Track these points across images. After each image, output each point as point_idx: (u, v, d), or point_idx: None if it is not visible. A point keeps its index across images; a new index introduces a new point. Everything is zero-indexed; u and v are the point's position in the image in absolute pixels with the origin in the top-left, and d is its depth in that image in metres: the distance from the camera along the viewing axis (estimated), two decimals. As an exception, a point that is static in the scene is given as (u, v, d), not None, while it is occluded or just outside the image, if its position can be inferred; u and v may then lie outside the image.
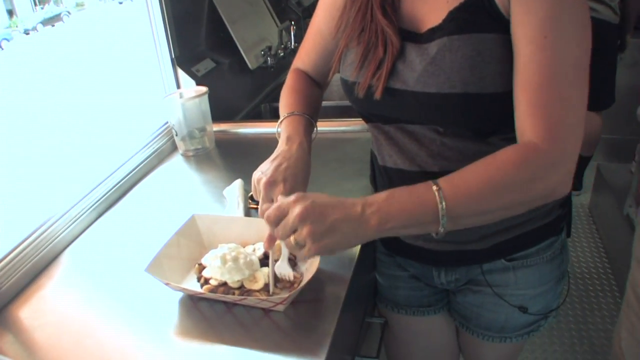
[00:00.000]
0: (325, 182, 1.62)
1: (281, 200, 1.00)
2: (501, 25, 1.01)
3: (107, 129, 6.81)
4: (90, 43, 18.54)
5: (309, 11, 3.67)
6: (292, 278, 1.16)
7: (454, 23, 1.04)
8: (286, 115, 1.33)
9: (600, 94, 3.56)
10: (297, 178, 1.20)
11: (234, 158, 1.95)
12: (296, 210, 0.95)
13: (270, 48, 2.66)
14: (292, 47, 2.81)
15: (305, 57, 1.47)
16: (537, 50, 0.97)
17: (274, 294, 1.16)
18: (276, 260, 1.18)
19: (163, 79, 2.16)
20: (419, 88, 1.08)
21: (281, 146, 1.25)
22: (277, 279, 1.19)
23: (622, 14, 3.39)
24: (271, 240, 1.09)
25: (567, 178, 1.00)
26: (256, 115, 2.59)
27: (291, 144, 1.25)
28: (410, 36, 1.12)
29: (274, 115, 2.67)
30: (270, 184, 1.17)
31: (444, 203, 0.94)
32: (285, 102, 1.38)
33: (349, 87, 1.22)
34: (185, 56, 2.18)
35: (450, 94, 1.04)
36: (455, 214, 0.95)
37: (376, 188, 1.35)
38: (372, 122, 1.25)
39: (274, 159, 1.21)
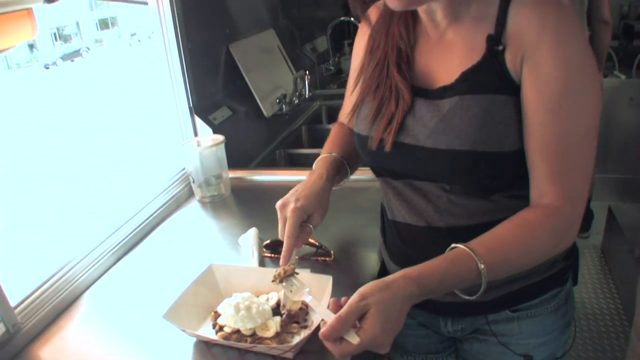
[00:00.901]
0: (336, 232, 1.69)
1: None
2: (511, 88, 1.08)
3: (125, 172, 6.93)
4: (108, 82, 18.77)
5: (324, 57, 3.77)
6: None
7: (466, 84, 1.12)
8: (318, 159, 1.44)
9: None
10: (309, 198, 1.30)
11: (249, 205, 2.02)
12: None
13: (285, 96, 2.76)
14: (307, 95, 2.88)
15: (343, 112, 1.55)
16: (554, 120, 1.05)
17: (285, 312, 1.25)
18: (288, 276, 1.24)
19: (181, 126, 2.26)
20: (429, 144, 1.15)
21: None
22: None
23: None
24: (287, 256, 1.21)
25: (576, 233, 1.10)
26: (271, 162, 2.67)
27: (312, 175, 1.37)
28: (422, 92, 1.19)
29: (288, 162, 2.77)
30: (284, 204, 1.28)
31: (485, 277, 1.02)
32: (323, 150, 1.48)
33: (362, 140, 1.29)
34: (202, 105, 2.28)
35: (459, 151, 1.10)
36: (491, 277, 1.03)
37: (385, 239, 1.41)
38: (383, 176, 1.32)
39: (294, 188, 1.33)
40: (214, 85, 2.45)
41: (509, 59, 1.08)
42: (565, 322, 1.39)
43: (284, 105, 2.75)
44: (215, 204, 2.04)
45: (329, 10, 4.12)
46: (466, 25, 1.16)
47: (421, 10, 1.22)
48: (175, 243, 1.82)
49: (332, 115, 3.38)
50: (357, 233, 1.70)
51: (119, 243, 1.74)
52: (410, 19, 1.27)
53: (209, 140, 2.06)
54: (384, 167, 1.29)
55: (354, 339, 0.97)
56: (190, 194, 2.11)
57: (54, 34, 31.05)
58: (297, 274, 1.25)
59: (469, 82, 1.11)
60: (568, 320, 1.40)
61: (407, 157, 1.19)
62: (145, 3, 2.19)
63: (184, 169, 2.11)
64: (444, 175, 1.17)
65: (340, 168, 1.43)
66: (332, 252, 1.55)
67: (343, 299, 1.03)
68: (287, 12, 3.35)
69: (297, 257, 1.46)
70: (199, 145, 2.05)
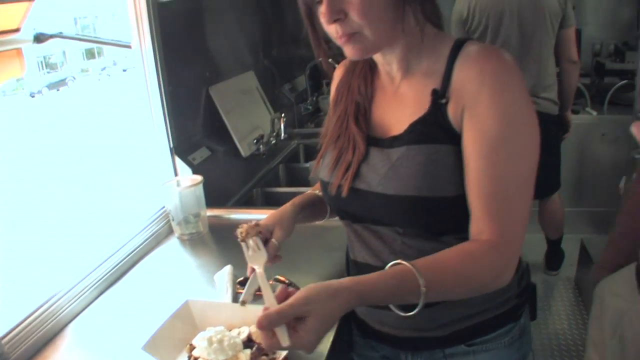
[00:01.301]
0: (306, 269, 1.81)
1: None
2: (453, 138, 1.21)
3: (107, 208, 7.01)
4: (91, 115, 18.75)
5: (303, 96, 3.90)
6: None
7: (413, 134, 1.25)
8: None
9: (547, 182, 3.81)
10: (269, 217, 1.46)
11: (226, 243, 2.13)
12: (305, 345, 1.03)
13: (262, 136, 2.90)
14: (282, 137, 3.03)
15: None
16: (489, 165, 1.17)
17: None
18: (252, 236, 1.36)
19: (161, 165, 2.37)
20: (380, 190, 1.28)
21: None
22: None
23: (560, 93, 3.66)
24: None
25: (514, 270, 1.20)
26: (248, 200, 2.78)
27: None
28: (376, 142, 1.33)
29: (265, 200, 2.88)
30: (249, 226, 1.39)
31: (424, 296, 1.09)
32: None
33: (324, 186, 1.43)
34: (182, 145, 2.40)
35: (405, 196, 1.23)
36: (430, 297, 1.10)
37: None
38: (344, 219, 1.45)
39: None
40: (194, 126, 2.58)
41: (451, 111, 1.22)
42: (520, 355, 1.47)
43: (261, 146, 2.88)
44: (193, 242, 2.15)
45: (308, 50, 4.24)
46: (417, 80, 1.30)
47: (380, 65, 1.36)
48: (155, 278, 1.93)
49: (310, 154, 3.49)
50: (326, 270, 1.80)
51: (102, 277, 1.85)
52: (369, 74, 1.42)
53: (188, 180, 2.17)
54: (344, 211, 1.42)
55: (284, 341, 1.01)
56: (170, 231, 2.22)
57: (40, 62, 31.12)
58: (262, 236, 1.37)
59: (416, 132, 1.25)
60: (524, 354, 1.48)
61: (362, 201, 1.32)
62: (129, 46, 2.31)
63: (164, 207, 2.22)
64: (395, 219, 1.30)
65: (316, 203, 1.58)
66: (301, 289, 1.64)
67: (291, 289, 1.11)
68: (267, 53, 3.50)
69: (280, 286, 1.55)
70: (178, 185, 2.17)
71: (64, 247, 5.48)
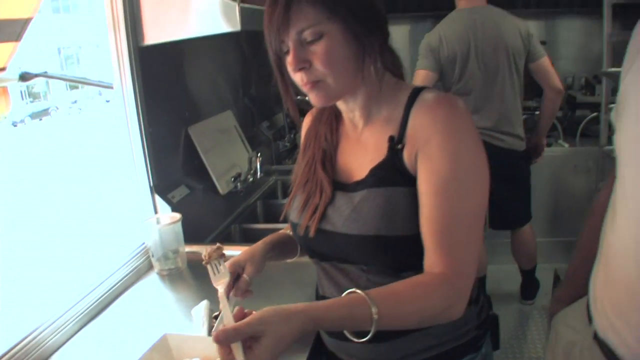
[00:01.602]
0: (279, 303, 1.86)
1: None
2: (409, 180, 1.34)
3: (88, 242, 7.07)
4: (73, 145, 18.68)
5: (281, 133, 4.01)
6: None
7: (373, 178, 1.38)
8: None
9: (518, 213, 3.98)
10: (241, 255, 1.58)
11: (203, 278, 2.19)
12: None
13: (239, 174, 3.02)
14: (258, 176, 3.15)
15: None
16: (440, 202, 1.28)
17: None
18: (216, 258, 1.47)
19: (141, 203, 2.48)
20: (344, 230, 1.40)
21: None
22: None
23: (539, 118, 3.88)
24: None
25: (466, 303, 1.28)
26: (226, 236, 2.88)
27: None
28: (341, 186, 1.46)
29: (243, 237, 2.98)
30: (212, 249, 1.49)
31: (375, 324, 1.16)
32: None
33: (294, 227, 1.56)
34: (162, 184, 2.51)
35: (367, 235, 1.36)
36: (382, 325, 1.18)
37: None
38: (313, 258, 1.57)
39: None
40: (173, 165, 2.69)
41: (407, 156, 1.35)
42: None
43: (238, 183, 2.99)
44: (172, 277, 2.25)
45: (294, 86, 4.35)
46: (377, 127, 1.44)
47: (344, 113, 1.51)
48: (134, 312, 2.02)
49: (287, 190, 3.53)
50: None
51: (84, 311, 1.94)
52: (334, 122, 1.56)
53: (168, 218, 2.28)
54: (312, 250, 1.54)
55: (239, 356, 1.08)
56: (150, 267, 2.32)
57: (23, 91, 31.05)
58: (225, 258, 1.47)
59: (376, 177, 1.38)
60: None
61: (329, 241, 1.44)
62: (111, 87, 2.42)
63: (144, 243, 2.32)
64: (359, 258, 1.42)
65: (287, 242, 1.70)
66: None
67: (247, 310, 1.20)
68: (246, 91, 3.63)
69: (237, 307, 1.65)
70: (158, 222, 2.28)
71: (47, 280, 5.54)
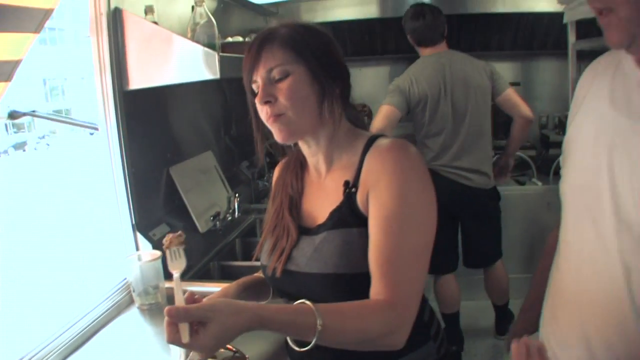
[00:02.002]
0: (250, 340, 1.93)
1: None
2: (363, 221, 1.49)
3: (70, 277, 7.15)
4: (56, 178, 18.65)
5: (261, 172, 4.15)
6: None
7: (332, 221, 1.55)
8: None
9: (489, 251, 4.11)
10: (218, 294, 1.70)
11: None
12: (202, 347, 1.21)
13: (219, 213, 3.15)
14: (236, 215, 3.29)
15: None
16: (386, 237, 1.43)
17: None
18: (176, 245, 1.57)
19: (123, 240, 2.61)
20: (307, 270, 1.55)
21: None
22: None
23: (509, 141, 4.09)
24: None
25: (408, 331, 1.40)
26: (205, 273, 2.97)
27: None
28: (306, 230, 1.62)
29: (221, 274, 3.07)
30: (174, 235, 1.60)
31: (318, 334, 1.28)
32: None
33: (263, 269, 1.72)
34: (143, 222, 2.64)
35: (327, 274, 1.51)
36: (325, 336, 1.29)
37: (287, 346, 1.61)
38: (282, 297, 1.71)
39: None
40: (155, 204, 2.83)
41: (359, 198, 1.51)
42: None
43: (217, 222, 3.12)
44: (152, 311, 2.37)
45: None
46: (337, 173, 1.61)
47: (309, 160, 1.68)
48: (116, 345, 2.13)
49: None
50: (268, 341, 1.97)
51: (66, 343, 2.04)
52: (299, 171, 1.74)
53: (149, 255, 2.41)
54: (281, 290, 1.69)
55: (185, 337, 1.17)
56: (131, 302, 2.43)
57: (8, 122, 31.04)
58: (185, 248, 1.57)
59: (334, 219, 1.54)
60: None
61: (294, 281, 1.59)
62: (96, 128, 2.56)
63: (125, 278, 2.44)
64: (321, 295, 1.54)
65: (259, 284, 1.82)
66: (247, 356, 1.80)
67: (197, 296, 1.36)
68: (227, 131, 3.79)
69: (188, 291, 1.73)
70: (139, 259, 2.40)
71: (30, 313, 5.61)
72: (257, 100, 1.51)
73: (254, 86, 1.54)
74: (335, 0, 5.12)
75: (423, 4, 3.96)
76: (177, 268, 1.50)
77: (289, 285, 1.62)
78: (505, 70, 5.23)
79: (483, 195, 3.91)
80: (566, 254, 1.42)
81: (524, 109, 3.84)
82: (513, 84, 4.83)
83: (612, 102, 1.32)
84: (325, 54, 1.53)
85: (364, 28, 5.18)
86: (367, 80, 5.40)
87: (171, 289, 2.44)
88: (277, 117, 1.50)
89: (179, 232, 1.58)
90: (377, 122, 3.67)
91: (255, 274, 1.87)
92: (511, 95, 3.84)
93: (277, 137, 1.54)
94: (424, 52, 3.87)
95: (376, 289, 1.41)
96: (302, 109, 1.50)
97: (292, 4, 5.16)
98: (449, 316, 4.16)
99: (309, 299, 1.50)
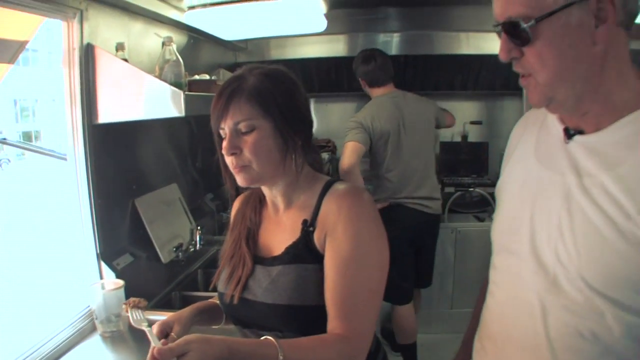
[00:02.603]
0: None
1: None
2: (318, 258, 1.65)
3: (34, 301, 7.12)
4: (23, 202, 18.44)
5: (224, 205, 4.25)
6: None
7: (288, 255, 1.70)
8: None
9: (425, 276, 4.42)
10: (174, 317, 1.79)
11: (143, 342, 2.38)
12: None
13: (181, 245, 3.26)
14: (197, 247, 3.41)
15: None
16: (341, 277, 1.59)
17: None
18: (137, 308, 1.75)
19: (87, 268, 2.70)
20: (262, 299, 1.69)
21: None
22: None
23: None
24: None
25: None
26: (167, 303, 3.08)
27: None
28: (261, 260, 1.76)
29: (183, 303, 3.09)
30: (134, 301, 1.77)
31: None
32: None
33: (220, 296, 1.85)
34: (107, 252, 2.74)
35: (281, 304, 1.65)
36: None
37: None
38: (237, 325, 1.84)
39: None
40: (119, 234, 2.93)
41: (317, 237, 1.66)
42: None
43: (180, 253, 3.23)
44: (114, 339, 2.46)
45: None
46: (295, 211, 1.75)
47: (267, 197, 1.82)
48: (79, 372, 2.21)
49: None
50: None
51: (30, 369, 2.13)
52: (258, 205, 1.87)
53: (112, 283, 2.51)
54: (235, 317, 1.82)
55: None
56: (94, 329, 2.51)
57: (-23, 142, 30.60)
58: (145, 309, 1.74)
59: (290, 254, 1.69)
60: None
61: (249, 309, 1.73)
62: (65, 158, 2.66)
63: (89, 306, 2.52)
64: (274, 324, 1.70)
65: (213, 310, 1.94)
66: None
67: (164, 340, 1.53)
68: (193, 164, 3.91)
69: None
70: (103, 287, 2.49)
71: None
72: (223, 151, 1.65)
73: (221, 132, 1.67)
74: (303, 38, 5.28)
75: (373, 49, 4.39)
76: (141, 325, 1.66)
77: (244, 312, 1.75)
78: (468, 109, 5.48)
79: (437, 220, 4.32)
80: (493, 292, 1.56)
81: (449, 120, 4.70)
82: (474, 122, 5.11)
83: (536, 155, 1.49)
84: (290, 107, 1.67)
85: (331, 65, 5.38)
86: (334, 115, 5.59)
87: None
88: (241, 167, 1.64)
89: (141, 300, 1.77)
90: (347, 158, 3.89)
91: (210, 300, 1.99)
92: (447, 119, 4.62)
93: (240, 183, 1.69)
94: (376, 92, 4.24)
95: (332, 325, 1.57)
96: (265, 162, 1.64)
97: (261, 41, 5.33)
98: (406, 347, 4.35)
99: (262, 327, 1.69)
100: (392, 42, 5.37)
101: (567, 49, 1.24)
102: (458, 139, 5.64)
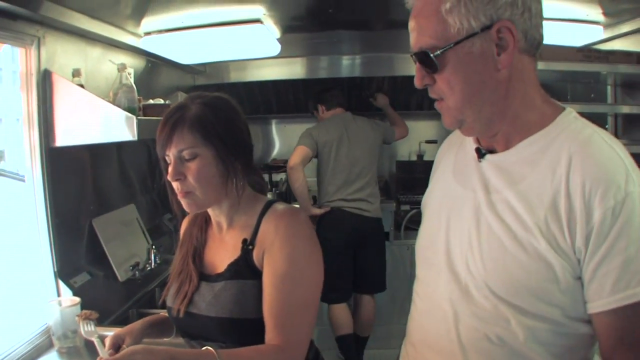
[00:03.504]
0: None
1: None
2: (257, 274, 1.80)
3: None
4: None
5: (182, 225, 4.35)
6: None
7: (229, 272, 1.84)
8: None
9: (380, 279, 4.76)
10: (126, 330, 1.92)
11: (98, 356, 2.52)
12: None
13: (138, 264, 3.37)
14: (153, 266, 3.53)
15: None
16: (278, 292, 1.75)
17: None
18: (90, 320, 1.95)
19: (45, 286, 2.79)
20: (206, 313, 1.83)
21: None
22: None
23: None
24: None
25: None
26: (124, 320, 3.09)
27: None
28: (206, 277, 1.90)
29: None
30: (85, 314, 1.97)
31: None
32: None
33: (168, 310, 1.99)
34: (65, 270, 2.84)
35: (223, 317, 1.80)
36: None
37: None
38: (184, 337, 1.97)
39: None
40: (77, 253, 3.03)
41: (255, 255, 1.81)
42: None
43: (137, 272, 3.34)
44: (70, 354, 2.53)
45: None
46: (237, 231, 1.90)
47: (212, 217, 1.95)
48: (35, 386, 2.30)
49: None
50: None
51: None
52: (204, 225, 2.01)
53: (69, 300, 2.59)
54: (182, 330, 1.96)
55: None
56: (51, 344, 2.58)
57: None
58: (95, 323, 1.92)
59: (231, 271, 1.83)
60: None
61: (195, 322, 1.87)
62: (23, 180, 2.75)
63: (46, 323, 2.61)
64: (218, 336, 1.84)
65: (164, 323, 2.08)
66: None
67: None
68: (151, 185, 4.06)
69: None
70: (60, 304, 2.58)
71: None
72: (168, 177, 1.79)
73: (167, 158, 1.80)
74: (261, 61, 5.40)
75: (329, 83, 5.17)
76: (91, 336, 1.82)
77: (190, 325, 1.89)
78: (424, 128, 5.70)
79: (376, 224, 4.69)
80: (415, 302, 1.70)
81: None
82: (430, 142, 5.32)
83: (454, 173, 1.63)
84: (230, 134, 1.80)
85: (289, 87, 5.57)
86: (291, 136, 5.66)
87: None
88: (186, 193, 1.78)
89: (93, 312, 1.96)
90: (293, 158, 4.54)
91: (161, 313, 2.13)
92: (396, 133, 5.13)
93: (186, 208, 1.83)
94: (326, 115, 4.86)
95: (270, 336, 1.72)
96: (208, 188, 1.78)
97: (220, 64, 5.45)
98: (342, 338, 4.67)
99: (206, 339, 1.83)
100: (350, 65, 5.56)
101: (472, 75, 1.38)
102: (414, 158, 5.84)
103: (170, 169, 1.76)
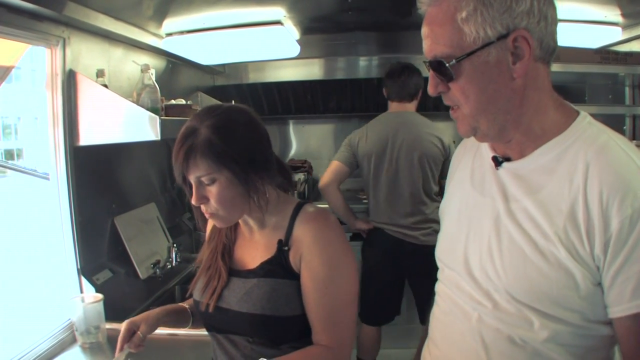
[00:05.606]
0: None
1: None
2: (291, 274, 1.84)
3: (16, 314, 7.15)
4: (5, 219, 18.21)
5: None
6: None
7: (263, 270, 1.88)
8: None
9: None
10: (142, 316, 1.98)
11: None
12: None
13: (159, 262, 3.41)
14: (174, 264, 3.56)
15: None
16: (321, 297, 1.81)
17: None
18: None
19: (68, 283, 2.84)
20: (237, 308, 1.87)
21: None
22: None
23: None
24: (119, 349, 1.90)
25: None
26: (145, 317, 3.16)
27: None
28: (236, 273, 1.94)
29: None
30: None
31: None
32: None
33: (196, 304, 2.01)
34: (88, 267, 2.89)
35: (254, 314, 1.83)
36: None
37: None
38: (210, 331, 2.00)
39: None
40: (99, 250, 3.07)
41: (291, 256, 1.85)
42: None
43: (157, 270, 3.37)
44: (93, 350, 2.57)
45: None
46: (268, 232, 1.93)
47: (240, 221, 1.97)
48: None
49: None
50: None
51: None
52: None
53: (92, 297, 2.64)
54: (210, 324, 1.99)
55: None
56: (74, 340, 2.62)
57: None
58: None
59: (265, 269, 1.87)
60: None
61: (224, 317, 1.90)
62: (47, 178, 2.79)
63: (69, 318, 2.65)
64: (246, 331, 1.88)
65: (181, 312, 2.11)
66: None
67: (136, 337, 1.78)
68: (172, 184, 4.10)
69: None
70: (83, 300, 2.62)
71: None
72: (192, 202, 1.81)
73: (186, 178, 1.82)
74: (280, 62, 5.45)
75: (403, 65, 4.18)
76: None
77: (218, 319, 1.92)
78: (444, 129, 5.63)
79: (430, 253, 4.08)
80: (438, 302, 1.72)
81: None
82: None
83: (471, 180, 1.65)
84: (244, 153, 1.77)
85: (307, 88, 5.55)
86: (311, 136, 5.81)
87: (112, 329, 2.71)
88: (211, 214, 1.82)
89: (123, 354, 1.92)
90: (324, 177, 4.07)
91: (179, 303, 2.16)
92: None
93: (218, 225, 1.90)
94: (392, 107, 4.19)
95: (318, 337, 1.82)
96: (231, 208, 1.82)
97: (239, 64, 5.50)
98: None
99: (235, 333, 1.87)
100: (367, 66, 5.56)
101: (488, 84, 1.38)
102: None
103: (193, 194, 1.79)
